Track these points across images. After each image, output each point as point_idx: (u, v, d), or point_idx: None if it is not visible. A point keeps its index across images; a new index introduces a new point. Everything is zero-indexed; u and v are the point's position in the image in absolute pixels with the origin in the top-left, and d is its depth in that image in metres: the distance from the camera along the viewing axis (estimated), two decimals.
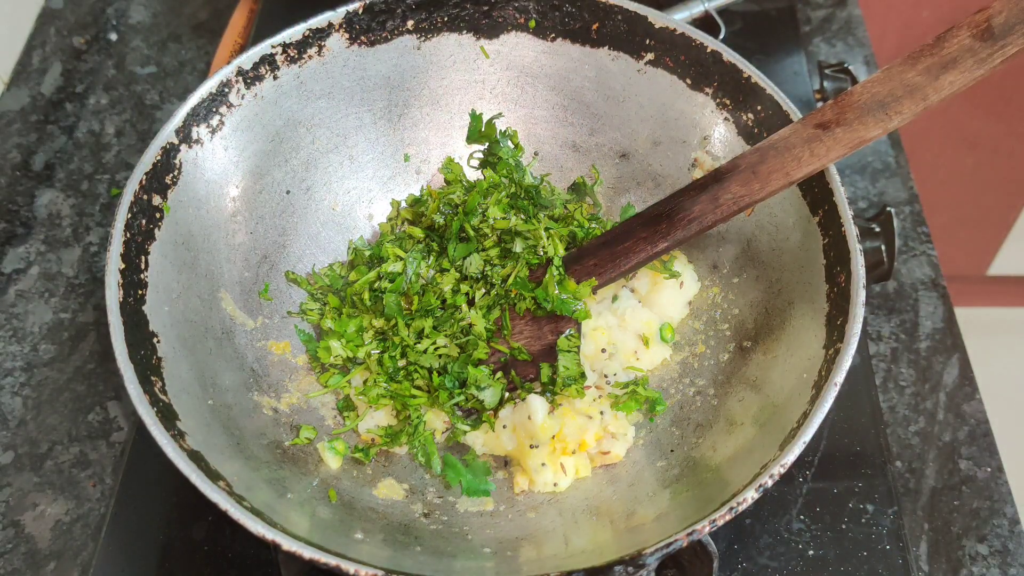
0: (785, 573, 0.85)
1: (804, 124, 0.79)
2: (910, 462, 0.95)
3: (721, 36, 1.11)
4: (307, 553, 0.65)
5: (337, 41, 0.95)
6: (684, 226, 0.83)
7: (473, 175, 1.03)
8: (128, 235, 0.79)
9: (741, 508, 0.67)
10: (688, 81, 0.93)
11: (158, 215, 0.83)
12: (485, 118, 1.02)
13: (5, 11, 1.30)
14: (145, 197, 0.82)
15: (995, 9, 0.75)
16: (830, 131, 0.77)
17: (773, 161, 0.79)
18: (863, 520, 0.87)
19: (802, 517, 0.88)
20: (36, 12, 1.36)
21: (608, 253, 0.88)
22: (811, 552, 0.86)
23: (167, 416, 0.73)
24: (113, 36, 1.36)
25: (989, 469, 0.94)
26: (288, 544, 0.66)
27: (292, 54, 0.93)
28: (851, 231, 0.78)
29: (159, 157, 0.84)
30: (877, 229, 0.97)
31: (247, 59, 0.90)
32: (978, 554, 0.89)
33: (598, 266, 0.88)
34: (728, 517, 0.67)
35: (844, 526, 0.87)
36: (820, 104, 1.19)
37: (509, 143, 1.02)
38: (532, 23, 0.98)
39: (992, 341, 1.81)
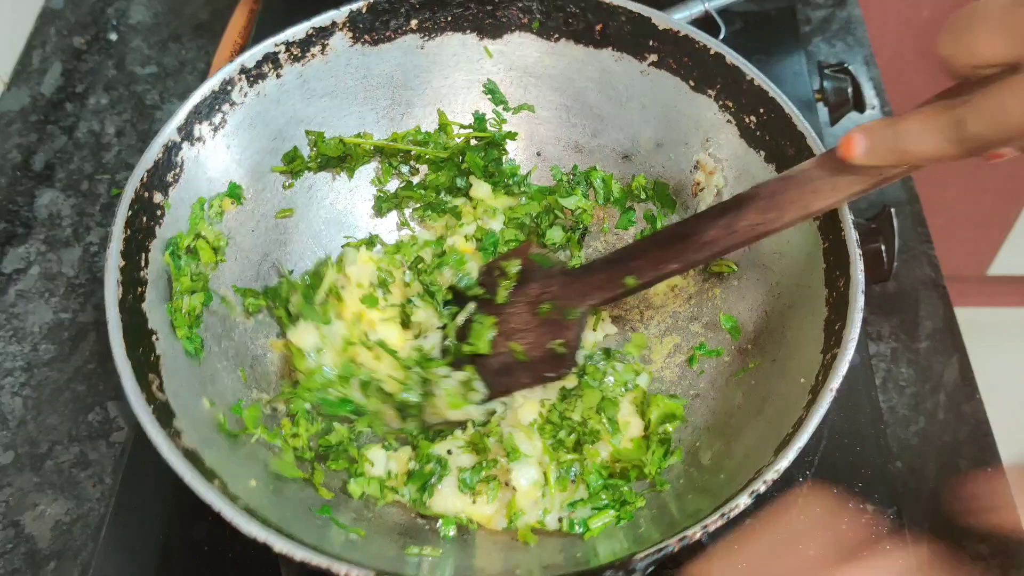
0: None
1: (830, 156, 0.76)
2: (910, 462, 0.95)
3: (721, 36, 1.11)
4: (299, 554, 0.65)
5: (340, 40, 0.95)
6: (696, 249, 0.81)
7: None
8: (128, 232, 0.79)
9: (733, 514, 0.67)
10: (691, 83, 0.93)
11: (159, 212, 0.83)
12: (489, 118, 1.02)
13: (5, 11, 1.30)
14: (146, 194, 0.82)
15: None
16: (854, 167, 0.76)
17: (793, 192, 0.76)
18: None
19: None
20: (36, 12, 1.36)
21: (619, 268, 0.86)
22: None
23: (164, 414, 0.72)
24: (113, 36, 1.36)
25: (989, 469, 0.94)
26: (281, 545, 0.65)
27: (295, 52, 0.93)
28: (851, 236, 0.78)
29: (161, 154, 0.84)
30: (877, 229, 0.97)
31: (250, 57, 0.90)
32: (978, 554, 0.89)
33: (606, 281, 0.86)
34: (720, 523, 0.66)
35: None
36: (820, 104, 1.20)
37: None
38: (536, 23, 0.98)
39: (992, 341, 1.80)
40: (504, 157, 1.03)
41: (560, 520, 0.81)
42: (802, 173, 0.76)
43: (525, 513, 0.81)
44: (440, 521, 0.82)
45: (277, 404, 0.88)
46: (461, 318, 0.92)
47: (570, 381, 0.91)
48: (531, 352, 0.88)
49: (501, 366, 0.89)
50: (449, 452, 0.85)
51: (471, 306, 0.92)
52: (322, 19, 0.93)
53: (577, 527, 0.80)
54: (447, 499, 0.82)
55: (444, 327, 0.94)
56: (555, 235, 1.00)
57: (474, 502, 0.82)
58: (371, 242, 1.01)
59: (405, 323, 0.95)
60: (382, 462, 0.85)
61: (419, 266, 0.98)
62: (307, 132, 0.96)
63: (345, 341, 0.92)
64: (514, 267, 0.91)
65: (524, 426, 0.86)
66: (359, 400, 0.90)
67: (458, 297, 0.95)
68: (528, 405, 0.88)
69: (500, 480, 0.83)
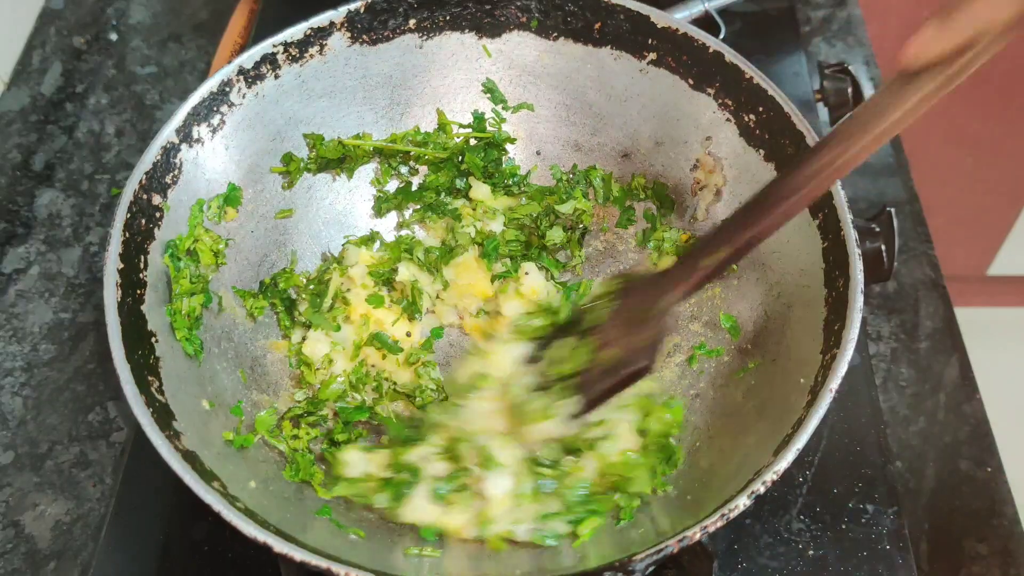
0: (785, 573, 0.85)
1: (892, 80, 0.70)
2: (910, 462, 0.95)
3: (721, 36, 1.11)
4: (299, 556, 0.65)
5: (339, 40, 0.94)
6: (766, 211, 0.73)
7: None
8: (127, 235, 0.79)
9: (732, 515, 0.67)
10: (690, 81, 0.93)
11: (158, 214, 0.83)
12: (488, 117, 1.02)
13: (5, 11, 1.30)
14: (145, 197, 0.82)
15: None
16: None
17: (868, 115, 0.70)
18: (863, 520, 0.87)
19: (802, 517, 0.88)
20: (36, 12, 1.36)
21: (697, 252, 0.78)
22: (811, 552, 0.86)
23: (163, 416, 0.72)
24: (113, 36, 1.36)
25: (989, 469, 0.94)
26: (280, 546, 0.65)
27: (293, 53, 0.93)
28: (851, 235, 0.78)
29: (159, 156, 0.84)
30: (877, 229, 0.97)
31: (248, 58, 0.90)
32: (978, 553, 0.89)
33: (683, 270, 0.79)
34: (720, 524, 0.66)
35: (844, 526, 0.87)
36: (820, 104, 1.20)
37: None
38: (534, 22, 0.98)
39: (992, 341, 1.80)
40: (504, 157, 1.03)
41: (533, 532, 0.79)
42: (871, 103, 0.71)
43: (495, 522, 0.79)
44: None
45: (277, 406, 0.88)
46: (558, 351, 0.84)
47: None
48: (617, 357, 0.81)
49: (589, 379, 0.81)
50: (424, 459, 0.82)
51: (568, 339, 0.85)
52: (320, 19, 0.93)
53: (548, 541, 0.78)
54: (419, 509, 0.80)
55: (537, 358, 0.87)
56: (555, 235, 1.00)
57: (446, 512, 0.80)
58: (371, 238, 1.00)
59: (411, 315, 0.95)
60: (360, 464, 0.83)
61: (422, 258, 0.98)
62: (305, 135, 0.96)
63: (355, 345, 0.92)
64: (614, 285, 0.84)
65: (501, 434, 0.83)
66: (372, 403, 0.90)
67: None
68: None
69: (473, 490, 0.81)
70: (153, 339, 0.78)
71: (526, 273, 0.98)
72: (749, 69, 0.89)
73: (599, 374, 0.81)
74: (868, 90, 1.28)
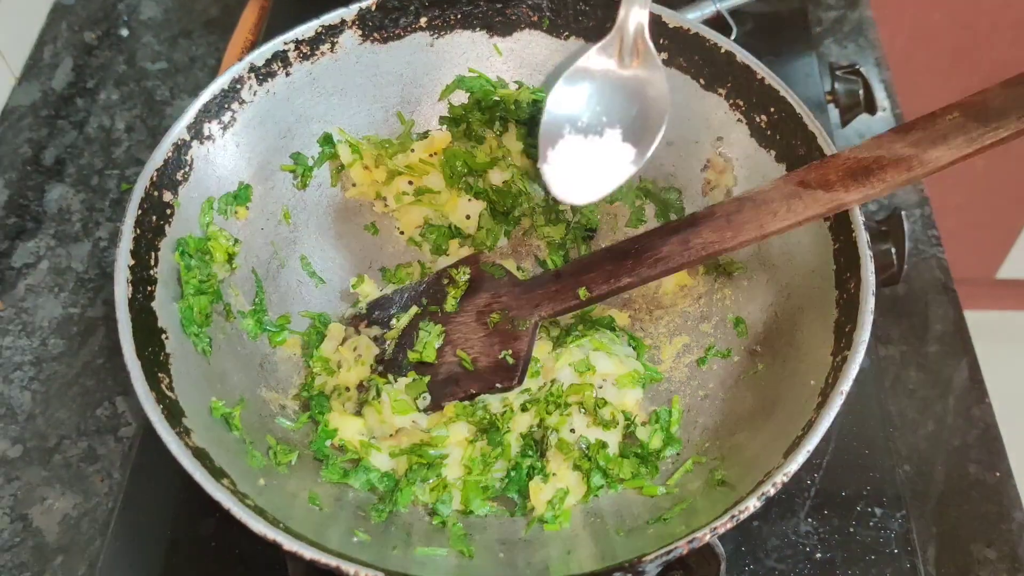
0: None
1: (786, 181, 0.79)
2: (919, 465, 0.95)
3: (732, 37, 1.11)
4: (308, 553, 0.65)
5: (350, 38, 0.94)
6: (650, 265, 0.82)
7: None
8: (138, 231, 0.79)
9: (743, 517, 0.67)
10: (701, 81, 0.93)
11: (169, 211, 0.83)
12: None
13: (17, 6, 1.30)
14: (156, 193, 0.82)
15: (992, 92, 0.74)
16: (810, 191, 0.77)
17: (749, 212, 0.79)
18: (871, 523, 0.87)
19: (810, 520, 0.88)
20: (48, 7, 1.37)
21: (571, 281, 0.85)
22: (819, 555, 0.86)
23: (173, 413, 0.73)
24: (124, 32, 1.37)
25: (998, 473, 0.94)
26: (289, 544, 0.66)
27: (304, 51, 0.93)
28: (862, 237, 0.78)
29: (170, 153, 0.84)
30: (888, 231, 0.97)
31: (259, 55, 0.90)
32: (986, 558, 0.89)
33: (558, 293, 0.86)
34: (729, 526, 0.66)
35: (852, 529, 0.87)
36: (831, 106, 1.20)
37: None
38: (546, 21, 0.98)
39: (1001, 344, 1.80)
40: None
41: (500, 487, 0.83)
42: (761, 195, 0.79)
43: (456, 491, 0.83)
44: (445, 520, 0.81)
45: (287, 403, 0.88)
46: (404, 321, 0.91)
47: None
48: (479, 361, 0.87)
49: (447, 375, 0.87)
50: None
51: (413, 309, 0.92)
52: (331, 17, 0.93)
53: (512, 494, 0.83)
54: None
55: (383, 337, 0.91)
56: (554, 232, 1.00)
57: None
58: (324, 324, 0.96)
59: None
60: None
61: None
62: (317, 140, 0.96)
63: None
64: (463, 275, 0.91)
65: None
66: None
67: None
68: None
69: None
70: (163, 336, 0.78)
71: (518, 268, 0.99)
72: (761, 70, 0.88)
73: (455, 374, 0.87)
74: (879, 92, 1.27)
